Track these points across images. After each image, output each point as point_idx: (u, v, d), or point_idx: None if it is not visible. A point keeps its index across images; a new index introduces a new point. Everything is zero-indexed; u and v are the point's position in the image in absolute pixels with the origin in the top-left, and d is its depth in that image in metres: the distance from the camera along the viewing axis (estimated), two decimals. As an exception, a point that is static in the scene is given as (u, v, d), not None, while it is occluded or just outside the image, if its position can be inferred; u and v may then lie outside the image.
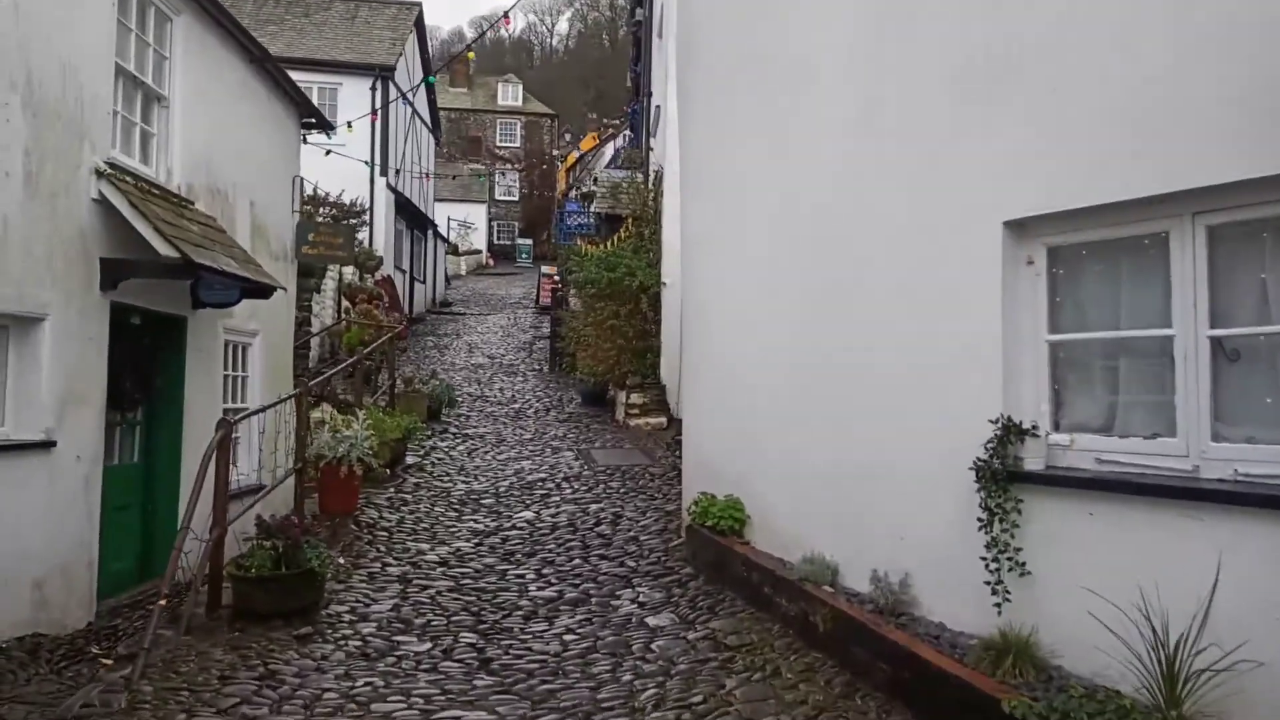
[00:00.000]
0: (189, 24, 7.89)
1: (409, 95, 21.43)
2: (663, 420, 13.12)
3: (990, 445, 4.39)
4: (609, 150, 42.25)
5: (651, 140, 16.07)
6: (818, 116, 5.78)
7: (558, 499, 9.09)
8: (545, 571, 6.84)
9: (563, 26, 73.89)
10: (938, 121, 4.91)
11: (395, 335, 13.98)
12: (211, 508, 5.89)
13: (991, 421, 4.40)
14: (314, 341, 16.05)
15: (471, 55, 26.20)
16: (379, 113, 18.98)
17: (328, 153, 13.93)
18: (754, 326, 6.34)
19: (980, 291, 4.58)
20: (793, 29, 6.02)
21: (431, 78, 23.36)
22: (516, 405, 15.35)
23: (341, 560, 6.55)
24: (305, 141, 11.38)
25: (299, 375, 12.13)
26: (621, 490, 9.27)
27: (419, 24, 26.17)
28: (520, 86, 54.48)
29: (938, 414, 4.79)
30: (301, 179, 11.02)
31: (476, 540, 7.73)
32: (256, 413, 7.58)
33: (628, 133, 35.25)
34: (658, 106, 15.23)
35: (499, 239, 50.01)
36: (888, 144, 5.23)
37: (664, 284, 13.55)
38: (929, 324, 4.86)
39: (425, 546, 7.51)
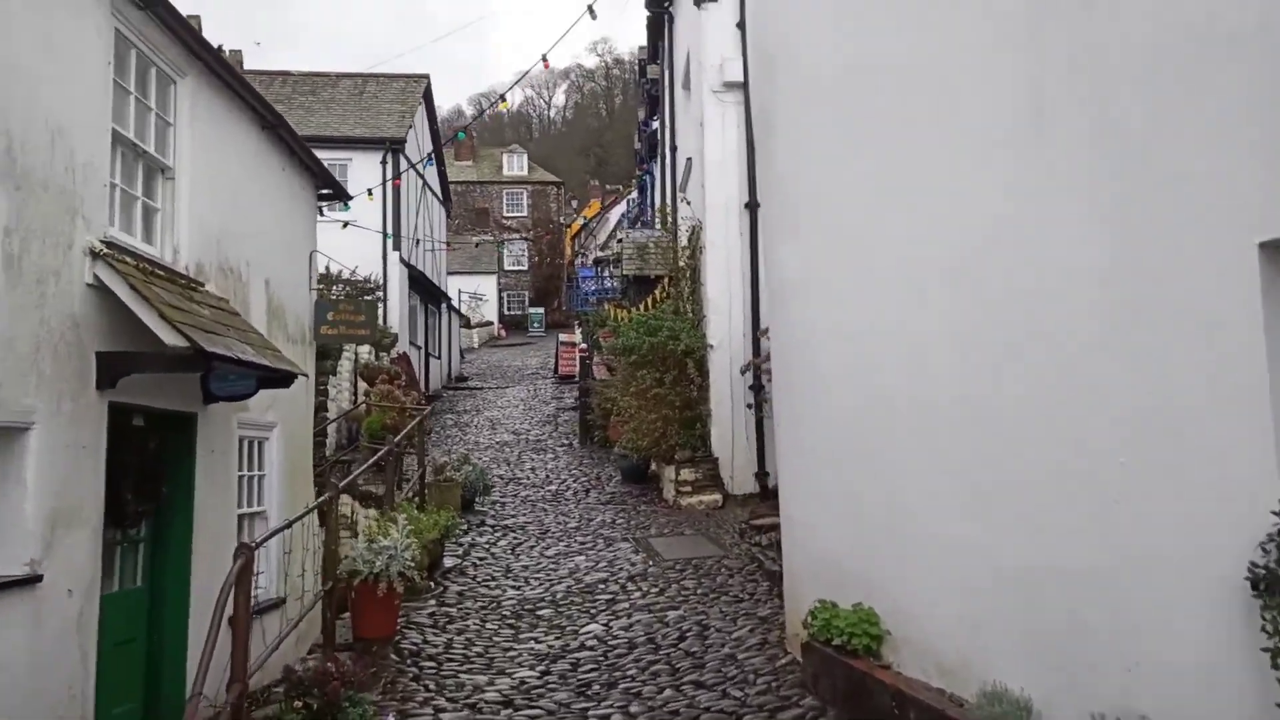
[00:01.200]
0: (195, 87, 7.02)
1: (426, 161, 20.78)
2: (717, 498, 11.96)
3: (1273, 544, 3.27)
4: (615, 214, 41.85)
5: (682, 194, 15.21)
6: (961, 130, 4.74)
7: (626, 605, 7.83)
8: (634, 710, 5.55)
9: (559, 99, 74.75)
10: (1138, 123, 3.88)
11: (423, 418, 12.89)
12: (230, 654, 4.75)
13: (1276, 513, 3.29)
14: (331, 428, 15.02)
15: (505, 104, 25.70)
16: (396, 181, 18.32)
17: (345, 225, 13.12)
18: (893, 387, 5.19)
19: (1229, 339, 3.51)
20: (920, 29, 5.04)
21: (460, 134, 22.77)
22: (553, 487, 14.17)
23: (391, 717, 5.33)
24: (321, 215, 10.54)
25: (318, 466, 11.08)
26: (699, 591, 7.98)
27: (427, 95, 25.72)
28: (525, 156, 54.55)
29: (1176, 498, 3.67)
30: (316, 254, 10.15)
31: (542, 667, 6.48)
32: (279, 531, 6.48)
33: (634, 195, 34.75)
34: (689, 159, 14.39)
35: (510, 309, 49.36)
36: (1066, 157, 4.18)
37: (710, 346, 12.52)
38: (1156, 384, 3.75)
39: (482, 680, 6.24)
